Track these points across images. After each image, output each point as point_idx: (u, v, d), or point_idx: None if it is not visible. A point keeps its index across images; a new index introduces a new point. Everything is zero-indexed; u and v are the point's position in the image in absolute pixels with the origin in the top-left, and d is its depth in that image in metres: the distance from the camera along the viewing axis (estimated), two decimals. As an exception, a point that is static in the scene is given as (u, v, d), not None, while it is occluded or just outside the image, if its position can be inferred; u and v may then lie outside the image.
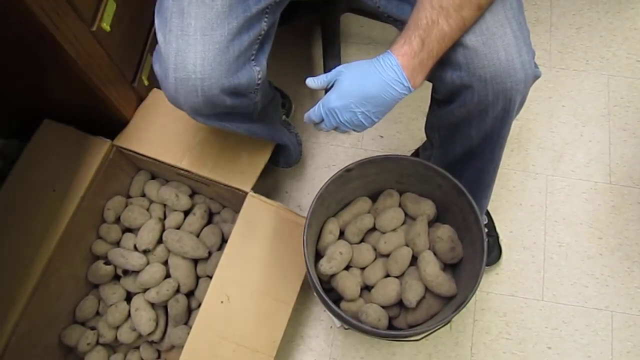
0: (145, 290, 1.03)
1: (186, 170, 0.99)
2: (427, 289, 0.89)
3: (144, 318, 1.00)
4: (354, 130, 0.75)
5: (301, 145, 1.23)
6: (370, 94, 0.70)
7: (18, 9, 0.68)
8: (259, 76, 0.81)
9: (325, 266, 0.89)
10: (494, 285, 1.16)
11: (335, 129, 0.76)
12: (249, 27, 0.76)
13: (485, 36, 0.70)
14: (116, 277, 1.06)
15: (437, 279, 0.87)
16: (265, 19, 0.79)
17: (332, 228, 0.95)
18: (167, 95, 0.77)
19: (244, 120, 0.90)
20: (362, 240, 0.97)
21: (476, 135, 0.83)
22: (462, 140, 0.86)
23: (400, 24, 0.82)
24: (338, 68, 0.73)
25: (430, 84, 0.82)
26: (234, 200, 1.04)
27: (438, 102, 0.85)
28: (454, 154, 0.91)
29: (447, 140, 0.91)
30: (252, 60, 0.79)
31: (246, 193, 0.97)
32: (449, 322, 0.81)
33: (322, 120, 0.75)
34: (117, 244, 1.07)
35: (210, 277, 0.98)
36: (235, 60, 0.75)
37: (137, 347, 1.05)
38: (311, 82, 0.75)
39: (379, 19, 0.90)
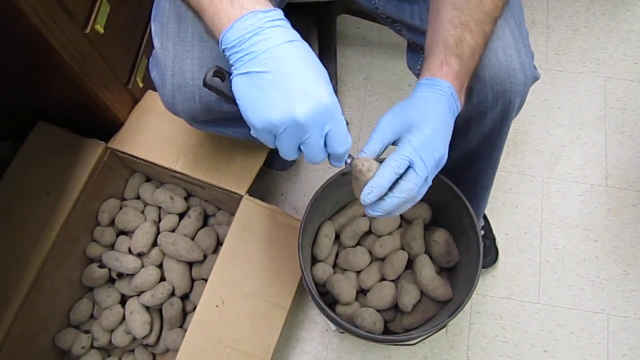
0: (139, 294, 1.02)
1: (181, 173, 0.98)
2: (422, 293, 0.89)
3: (138, 321, 1.00)
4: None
5: (297, 148, 1.23)
6: (446, 128, 0.62)
7: (10, 11, 0.67)
8: None
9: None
10: (490, 288, 1.16)
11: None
12: None
13: None
14: (111, 280, 1.06)
15: (432, 283, 0.87)
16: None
17: (327, 231, 0.94)
18: (164, 102, 0.76)
19: (241, 124, 0.89)
20: (357, 244, 0.97)
21: (475, 137, 0.82)
22: (460, 142, 0.85)
23: (398, 25, 0.82)
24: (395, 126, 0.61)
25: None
26: (229, 203, 1.04)
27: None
28: (452, 156, 0.90)
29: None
30: None
31: (241, 196, 0.97)
32: (444, 326, 0.81)
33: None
34: (112, 246, 1.06)
35: (206, 280, 0.97)
36: None
37: (132, 351, 1.04)
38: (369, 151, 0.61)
39: (375, 20, 0.90)
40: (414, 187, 0.59)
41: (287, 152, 0.53)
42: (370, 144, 0.61)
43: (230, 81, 0.52)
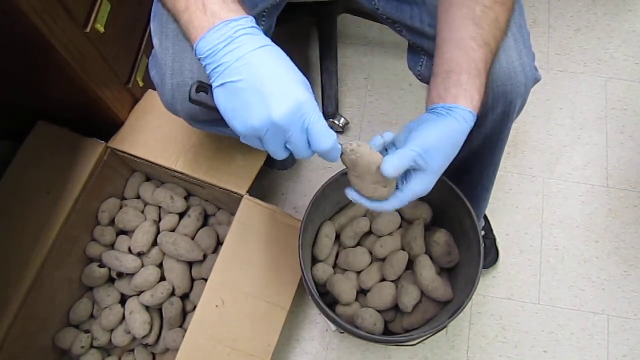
0: (140, 293, 1.02)
1: (181, 173, 0.98)
2: (423, 294, 0.89)
3: (138, 321, 1.00)
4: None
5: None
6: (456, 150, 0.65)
7: (10, 11, 0.67)
8: None
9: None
10: (491, 288, 1.16)
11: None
12: None
13: None
14: (111, 280, 1.06)
15: (433, 284, 0.87)
16: (263, 23, 0.79)
17: (328, 232, 0.94)
18: (164, 101, 0.76)
19: None
20: (358, 244, 0.97)
21: (476, 138, 0.82)
22: None
23: (399, 26, 0.81)
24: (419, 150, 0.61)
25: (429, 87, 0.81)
26: (229, 203, 1.04)
27: (437, 104, 0.84)
28: None
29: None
30: None
31: (242, 196, 0.96)
32: (445, 327, 0.81)
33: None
34: (112, 246, 1.06)
35: (206, 280, 0.97)
36: None
37: (132, 350, 1.04)
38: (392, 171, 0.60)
39: (376, 20, 0.90)
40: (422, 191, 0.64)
41: (275, 152, 0.55)
42: (403, 159, 0.60)
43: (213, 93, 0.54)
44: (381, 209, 0.64)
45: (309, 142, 0.54)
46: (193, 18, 0.53)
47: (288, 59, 0.54)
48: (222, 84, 0.52)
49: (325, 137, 0.53)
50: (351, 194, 0.64)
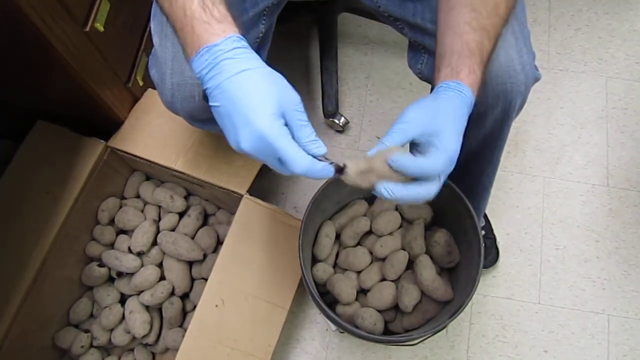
0: (139, 293, 1.02)
1: (181, 172, 0.98)
2: (423, 293, 0.89)
3: (138, 320, 0.99)
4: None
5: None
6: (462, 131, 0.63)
7: (10, 10, 0.67)
8: None
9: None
10: (491, 288, 1.15)
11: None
12: (246, 30, 0.75)
13: None
14: (110, 279, 1.06)
15: (433, 284, 0.86)
16: (263, 22, 0.78)
17: (328, 231, 0.94)
18: (164, 100, 0.76)
19: None
20: (358, 244, 0.96)
21: (475, 138, 0.82)
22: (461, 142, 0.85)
23: (400, 23, 0.81)
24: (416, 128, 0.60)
25: (429, 85, 0.81)
26: (229, 202, 1.04)
27: (437, 103, 0.84)
28: None
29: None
30: None
31: (242, 195, 0.96)
32: (445, 327, 0.81)
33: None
34: (112, 245, 1.06)
35: (206, 280, 0.97)
36: None
37: (132, 350, 1.04)
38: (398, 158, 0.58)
39: (376, 19, 0.89)
40: (427, 196, 0.60)
41: (272, 168, 0.56)
42: (392, 136, 0.60)
43: None
44: (416, 196, 0.60)
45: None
46: (186, 38, 0.54)
47: (266, 81, 0.53)
48: (211, 106, 0.54)
49: (295, 162, 0.53)
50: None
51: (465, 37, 0.63)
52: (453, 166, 0.61)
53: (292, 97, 0.54)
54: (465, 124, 0.62)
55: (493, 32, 0.64)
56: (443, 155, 0.59)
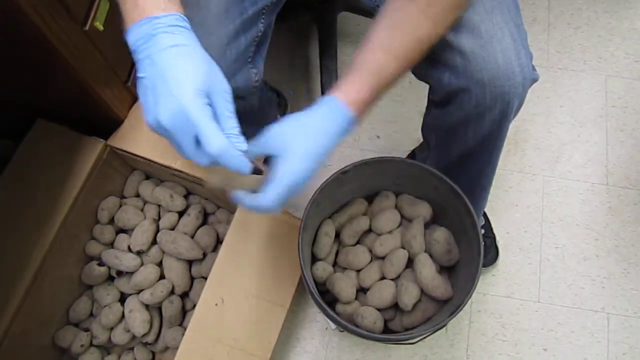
0: (139, 292, 1.02)
1: (180, 171, 0.98)
2: (422, 292, 0.89)
3: (138, 319, 1.00)
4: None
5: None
6: (328, 151, 0.63)
7: (9, 9, 0.67)
8: (256, 78, 0.80)
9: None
10: (490, 286, 1.16)
11: None
12: (245, 30, 0.75)
13: (483, 39, 0.69)
14: (110, 278, 1.06)
15: (433, 282, 0.87)
16: (262, 21, 0.78)
17: (327, 230, 0.94)
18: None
19: (239, 122, 0.89)
20: (357, 242, 0.97)
21: (473, 138, 0.82)
22: (458, 143, 0.85)
23: None
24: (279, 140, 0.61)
25: (427, 85, 0.81)
26: (229, 201, 1.03)
27: (435, 103, 0.84)
28: (450, 156, 0.90)
29: (443, 142, 0.90)
30: (249, 62, 0.78)
31: (241, 194, 0.96)
32: (444, 325, 0.81)
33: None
34: (111, 244, 1.06)
35: (205, 279, 0.97)
36: (232, 64, 0.74)
37: (131, 349, 1.04)
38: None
39: (376, 18, 0.89)
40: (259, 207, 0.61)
41: (182, 153, 0.54)
42: (252, 148, 0.60)
43: None
44: (258, 204, 0.61)
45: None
46: (126, 9, 0.54)
47: (199, 59, 0.53)
48: (137, 77, 0.53)
49: (211, 138, 0.52)
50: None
51: (367, 56, 0.63)
52: (299, 186, 0.62)
53: (222, 84, 0.54)
54: (334, 140, 0.62)
55: (406, 55, 0.64)
56: (278, 184, 0.60)
